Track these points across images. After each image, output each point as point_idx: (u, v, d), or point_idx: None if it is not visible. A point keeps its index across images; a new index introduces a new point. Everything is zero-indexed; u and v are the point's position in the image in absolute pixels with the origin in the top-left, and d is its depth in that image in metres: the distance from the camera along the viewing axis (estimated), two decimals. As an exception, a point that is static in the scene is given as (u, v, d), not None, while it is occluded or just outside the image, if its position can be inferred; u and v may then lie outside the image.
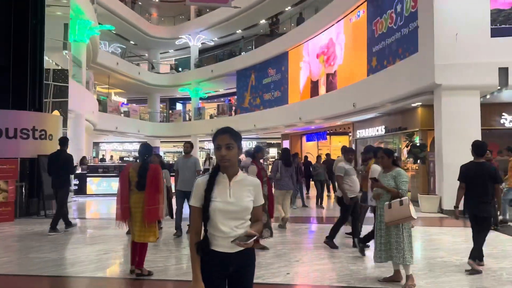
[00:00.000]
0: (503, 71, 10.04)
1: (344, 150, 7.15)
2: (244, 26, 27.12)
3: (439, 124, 10.81)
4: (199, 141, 30.51)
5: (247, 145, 28.77)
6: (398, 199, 4.56)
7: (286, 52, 21.84)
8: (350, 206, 6.59)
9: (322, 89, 19.06)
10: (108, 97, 30.17)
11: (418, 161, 11.36)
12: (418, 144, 11.42)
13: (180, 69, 33.51)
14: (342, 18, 17.28)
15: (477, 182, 5.16)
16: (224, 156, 2.23)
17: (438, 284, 4.83)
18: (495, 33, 10.22)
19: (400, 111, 14.04)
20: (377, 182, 4.76)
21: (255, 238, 2.17)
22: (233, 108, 28.25)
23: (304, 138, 23.14)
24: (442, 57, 10.30)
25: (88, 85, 19.59)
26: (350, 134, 19.12)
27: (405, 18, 12.81)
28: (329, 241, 6.66)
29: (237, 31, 28.33)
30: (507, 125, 12.36)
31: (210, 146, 33.32)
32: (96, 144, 32.20)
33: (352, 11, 16.58)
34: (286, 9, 24.26)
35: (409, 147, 11.43)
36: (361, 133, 17.18)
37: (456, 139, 10.27)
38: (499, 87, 10.18)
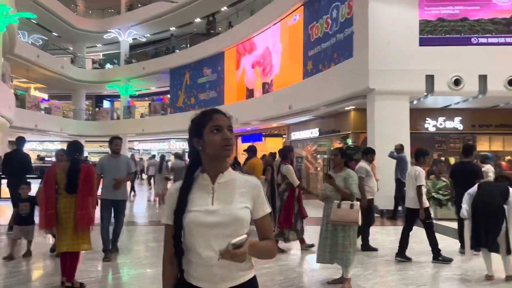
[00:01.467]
0: (430, 79, 10.70)
1: (367, 150, 6.93)
2: (179, 23, 26.42)
3: (371, 127, 11.26)
4: (129, 141, 29.15)
5: (181, 146, 28.02)
6: (350, 202, 4.54)
7: (222, 52, 21.63)
8: (371, 207, 6.49)
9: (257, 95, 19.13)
10: (27, 92, 27.71)
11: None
12: (352, 146, 11.80)
13: (108, 64, 31.75)
14: (278, 21, 17.46)
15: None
16: (230, 140, 1.65)
17: (385, 284, 4.91)
18: (423, 42, 10.87)
19: (334, 114, 14.47)
20: (331, 179, 4.67)
21: (245, 240, 1.48)
22: (166, 107, 27.40)
23: (239, 140, 23.08)
24: (376, 63, 10.74)
25: (4, 77, 17.78)
26: (284, 136, 19.39)
27: (340, 24, 13.22)
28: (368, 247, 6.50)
29: (171, 28, 27.54)
30: (430, 129, 13.27)
31: (142, 146, 32.03)
32: (12, 143, 29.42)
33: (288, 15, 16.81)
34: (222, 9, 24.04)
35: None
36: (296, 135, 17.49)
37: (387, 142, 10.74)
38: (425, 93, 10.85)
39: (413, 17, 10.94)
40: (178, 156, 13.53)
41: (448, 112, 13.13)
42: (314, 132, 15.89)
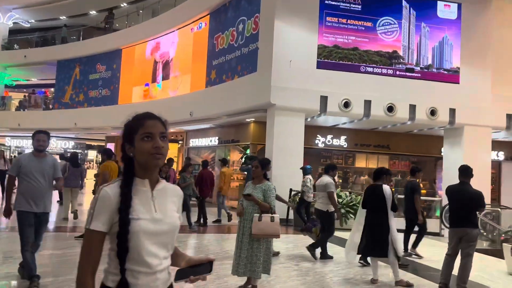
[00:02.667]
0: (324, 99, 11.69)
1: (330, 167, 7.56)
2: (71, 13, 24.45)
3: (270, 139, 11.83)
4: None
5: (62, 145, 25.75)
6: (270, 215, 4.73)
7: (120, 50, 20.62)
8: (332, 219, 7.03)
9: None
10: None
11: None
12: (251, 156, 12.24)
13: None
14: (183, 26, 17.34)
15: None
16: (161, 148, 1.62)
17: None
18: (320, 65, 11.85)
19: (234, 124, 14.84)
20: (250, 196, 4.81)
21: (212, 264, 1.70)
22: (48, 101, 24.98)
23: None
24: (278, 80, 11.37)
25: None
26: (180, 142, 19.18)
27: (246, 38, 13.68)
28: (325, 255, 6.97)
29: (61, 17, 25.35)
30: (320, 145, 14.44)
31: (15, 143, 28.59)
32: None
33: (194, 21, 16.82)
34: (122, 5, 22.97)
35: (243, 159, 12.17)
36: (194, 142, 17.46)
37: (285, 154, 11.41)
38: (319, 112, 11.80)
39: (313, 41, 11.86)
40: (63, 157, 12.51)
41: (335, 130, 14.44)
42: (213, 140, 16.06)
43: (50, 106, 24.39)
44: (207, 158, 16.84)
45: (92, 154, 28.92)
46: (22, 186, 4.66)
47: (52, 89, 25.28)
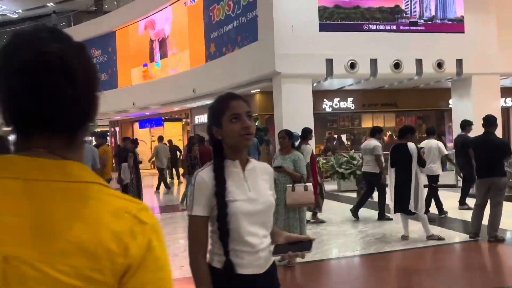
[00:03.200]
0: (329, 62, 11.51)
1: (376, 129, 7.63)
2: (58, -1, 23.89)
3: (279, 108, 11.74)
4: None
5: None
6: (303, 184, 4.74)
7: (113, 32, 20.22)
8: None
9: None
10: None
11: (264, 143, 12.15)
12: (261, 128, 12.19)
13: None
14: (176, 1, 16.91)
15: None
16: (250, 128, 1.62)
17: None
18: (322, 28, 11.59)
19: (239, 97, 14.69)
20: (281, 168, 4.79)
21: (312, 242, 1.66)
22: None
23: (136, 125, 22.07)
24: (281, 47, 11.15)
25: None
26: (184, 120, 19.11)
27: (243, 7, 13.33)
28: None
29: (49, 4, 24.74)
30: (327, 109, 14.36)
31: None
32: None
33: (186, -5, 16.39)
34: (109, -15, 22.39)
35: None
36: (200, 119, 17.37)
37: (295, 122, 11.31)
38: (326, 76, 11.66)
39: (313, 3, 11.55)
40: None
41: (342, 93, 14.32)
42: (218, 115, 15.96)
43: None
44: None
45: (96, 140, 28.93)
46: None
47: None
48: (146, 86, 18.24)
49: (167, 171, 14.67)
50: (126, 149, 8.55)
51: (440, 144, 7.48)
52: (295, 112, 11.45)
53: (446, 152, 7.39)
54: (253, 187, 1.66)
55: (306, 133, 7.10)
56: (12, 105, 0.70)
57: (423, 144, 7.27)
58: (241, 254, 1.61)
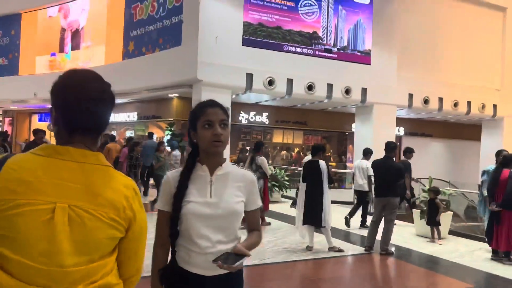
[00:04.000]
0: (249, 77, 11.88)
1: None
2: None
3: (196, 116, 11.73)
4: None
5: None
6: None
7: (19, 14, 18.47)
8: None
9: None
10: None
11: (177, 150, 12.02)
12: (177, 133, 12.07)
13: None
14: (95, -7, 16.09)
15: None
16: (220, 136, 1.68)
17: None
18: (245, 42, 11.94)
19: (155, 100, 14.40)
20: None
21: (245, 259, 1.59)
22: None
23: (35, 117, 20.27)
24: (205, 55, 11.23)
25: None
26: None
27: (167, 10, 13.17)
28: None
29: None
30: (243, 121, 14.72)
31: None
32: None
33: (108, -12, 15.69)
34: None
35: (169, 136, 11.96)
36: (111, 117, 16.55)
37: (211, 131, 11.45)
38: (245, 90, 11.99)
39: (239, 18, 11.87)
40: None
41: (258, 107, 14.81)
42: (132, 116, 15.43)
43: None
44: (122, 134, 16.22)
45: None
46: None
47: None
48: (52, 76, 16.70)
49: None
50: (36, 143, 7.90)
51: (369, 164, 7.91)
52: (212, 121, 11.55)
53: (371, 173, 7.62)
54: (217, 192, 1.70)
55: (259, 146, 7.87)
56: (73, 119, 1.21)
57: (355, 164, 8.46)
58: (189, 253, 1.68)
